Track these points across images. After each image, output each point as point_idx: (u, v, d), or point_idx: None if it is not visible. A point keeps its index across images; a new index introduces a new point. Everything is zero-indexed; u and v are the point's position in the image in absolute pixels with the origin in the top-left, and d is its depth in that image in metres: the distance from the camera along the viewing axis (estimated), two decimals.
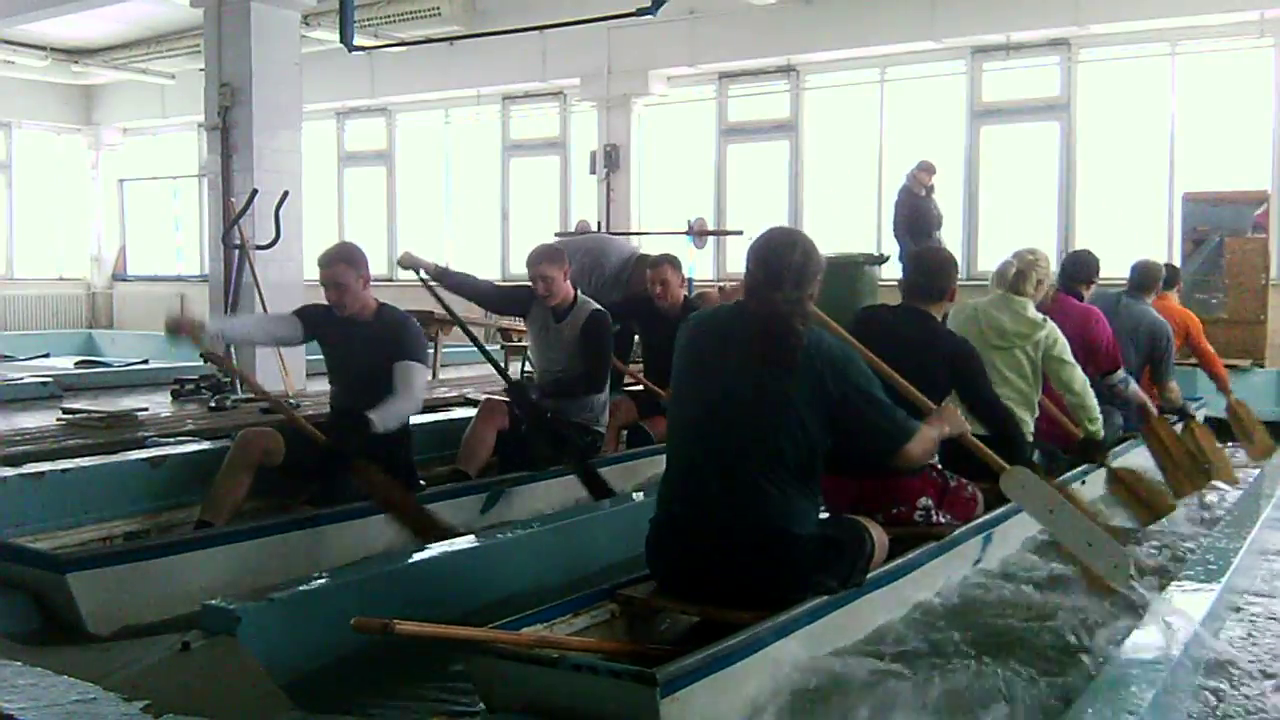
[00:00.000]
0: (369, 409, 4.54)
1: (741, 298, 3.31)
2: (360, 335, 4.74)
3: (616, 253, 7.43)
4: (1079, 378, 4.99)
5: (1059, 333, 4.93)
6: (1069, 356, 4.94)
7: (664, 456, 5.63)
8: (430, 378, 8.51)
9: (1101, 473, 5.24)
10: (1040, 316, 4.93)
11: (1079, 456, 5.16)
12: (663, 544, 3.24)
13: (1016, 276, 4.98)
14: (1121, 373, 5.69)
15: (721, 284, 8.10)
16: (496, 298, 5.91)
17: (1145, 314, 6.42)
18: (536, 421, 5.28)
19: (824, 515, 3.43)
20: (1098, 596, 3.79)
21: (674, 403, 3.33)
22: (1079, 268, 6.05)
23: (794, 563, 3.10)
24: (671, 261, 6.20)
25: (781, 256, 3.19)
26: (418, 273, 5.49)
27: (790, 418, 3.08)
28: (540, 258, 5.47)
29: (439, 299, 5.68)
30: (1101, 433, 5.17)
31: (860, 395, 3.15)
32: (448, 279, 5.63)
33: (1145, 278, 6.61)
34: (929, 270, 4.34)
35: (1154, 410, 5.95)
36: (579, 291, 5.61)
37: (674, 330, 5.88)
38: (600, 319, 5.49)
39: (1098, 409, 5.12)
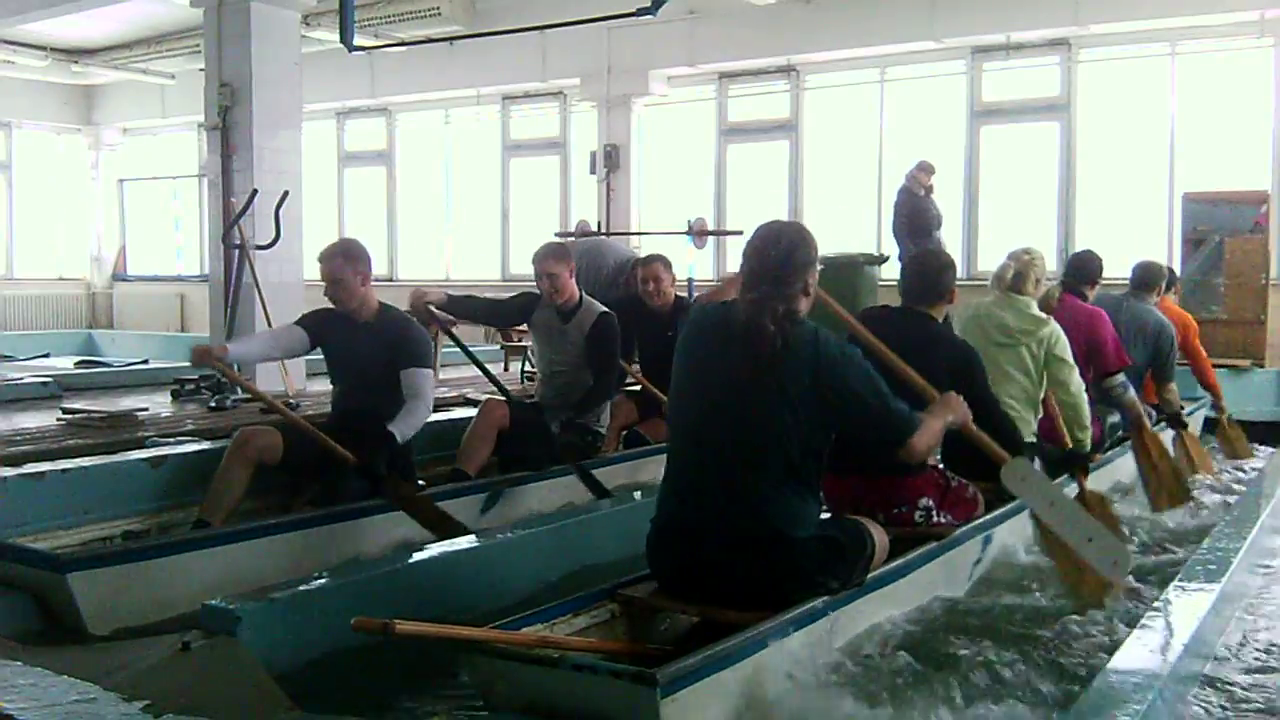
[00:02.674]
0: (377, 412, 4.55)
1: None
2: (362, 337, 4.75)
3: (614, 256, 7.45)
4: (1076, 380, 4.97)
5: (1062, 333, 4.94)
6: (1069, 356, 4.94)
7: (663, 457, 5.72)
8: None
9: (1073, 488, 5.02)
10: (1044, 315, 4.94)
11: (1061, 466, 4.96)
12: (663, 545, 3.22)
13: (1015, 278, 4.99)
14: (1122, 377, 5.66)
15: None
16: (501, 314, 5.91)
17: (1150, 314, 6.44)
18: (542, 430, 5.31)
19: (824, 515, 3.42)
20: (1091, 607, 3.78)
21: (673, 403, 3.31)
22: (1083, 268, 6.04)
23: (793, 565, 3.08)
24: (663, 260, 6.24)
25: (762, 253, 3.16)
26: (430, 311, 5.39)
27: (787, 419, 3.04)
28: (547, 255, 5.50)
29: (450, 334, 5.58)
30: (1088, 444, 5.11)
31: (859, 397, 3.09)
32: (456, 308, 5.57)
33: (1148, 277, 6.62)
34: (927, 272, 4.37)
35: (1147, 422, 5.84)
36: (583, 292, 5.61)
37: (665, 330, 6.03)
38: (608, 322, 5.51)
39: (1089, 416, 5.08)
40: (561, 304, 5.49)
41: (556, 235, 11.26)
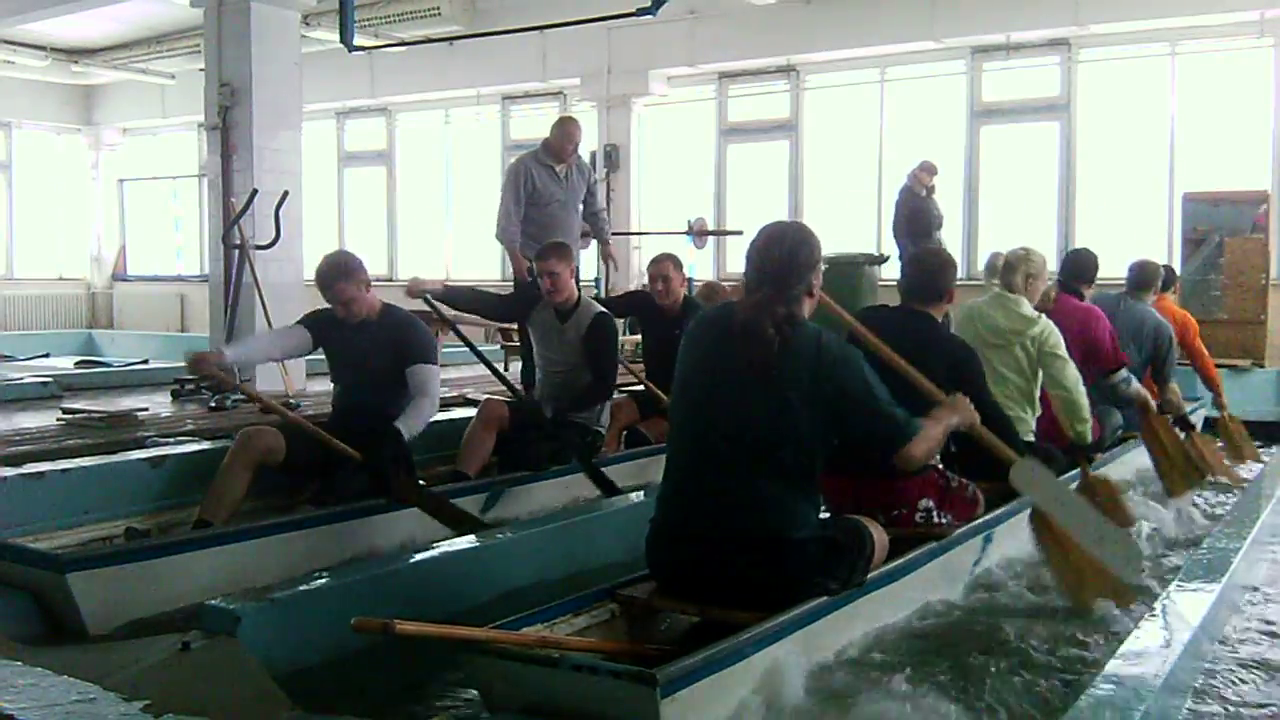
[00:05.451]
0: (381, 411, 4.55)
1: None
2: (367, 336, 4.76)
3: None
4: (1071, 374, 4.97)
5: (1054, 329, 4.95)
6: (1063, 352, 4.95)
7: (664, 457, 5.72)
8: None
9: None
10: (1034, 313, 4.95)
11: (1064, 458, 4.99)
12: (661, 545, 3.22)
13: (1005, 269, 5.07)
14: (1124, 372, 5.67)
15: (726, 283, 8.11)
16: (500, 307, 5.94)
17: (1148, 314, 6.44)
18: (542, 430, 5.33)
19: (824, 515, 3.42)
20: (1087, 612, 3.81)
21: (674, 402, 3.31)
22: (1079, 267, 6.04)
23: (792, 566, 3.07)
24: (674, 260, 6.24)
25: (765, 253, 3.14)
26: (425, 299, 5.58)
27: (787, 420, 3.04)
28: (548, 253, 5.49)
29: (445, 319, 5.82)
30: (1089, 436, 5.12)
31: (856, 400, 3.08)
32: (454, 299, 5.71)
33: (1144, 277, 6.63)
34: (927, 271, 4.34)
35: (1154, 406, 5.90)
36: (582, 293, 5.60)
37: (673, 329, 6.03)
38: (605, 321, 5.49)
39: (1088, 409, 5.07)
40: (560, 303, 5.48)
41: None
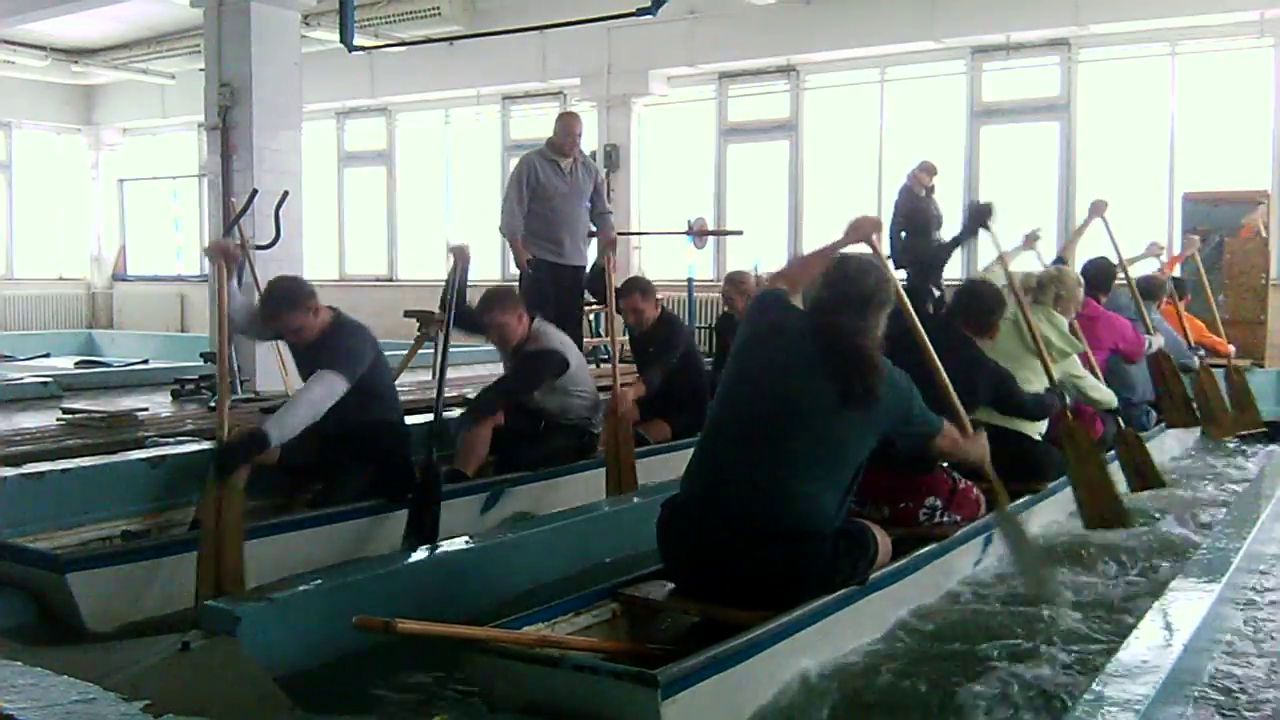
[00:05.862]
0: (342, 419, 4.41)
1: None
2: (317, 353, 4.61)
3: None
4: (1099, 387, 5.41)
5: (1076, 357, 5.36)
6: (1083, 371, 5.36)
7: (663, 458, 5.72)
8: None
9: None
10: (1076, 340, 5.34)
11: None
12: (677, 526, 3.24)
13: (1037, 287, 5.39)
14: (1150, 347, 6.48)
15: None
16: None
17: (1160, 324, 6.98)
18: (535, 434, 5.36)
19: None
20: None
21: (723, 394, 3.35)
22: (1099, 275, 6.58)
23: (811, 560, 3.12)
24: (639, 287, 6.28)
25: (855, 281, 3.29)
26: (455, 270, 5.26)
27: (843, 433, 3.16)
28: (491, 305, 5.31)
29: (442, 321, 5.43)
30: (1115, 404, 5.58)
31: (917, 423, 3.40)
32: (462, 310, 5.43)
33: (1150, 287, 7.26)
34: (986, 302, 4.65)
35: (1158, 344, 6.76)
36: (535, 325, 5.45)
37: (647, 346, 6.10)
38: (532, 357, 5.33)
39: (1113, 399, 5.51)
40: (512, 349, 5.41)
41: None
